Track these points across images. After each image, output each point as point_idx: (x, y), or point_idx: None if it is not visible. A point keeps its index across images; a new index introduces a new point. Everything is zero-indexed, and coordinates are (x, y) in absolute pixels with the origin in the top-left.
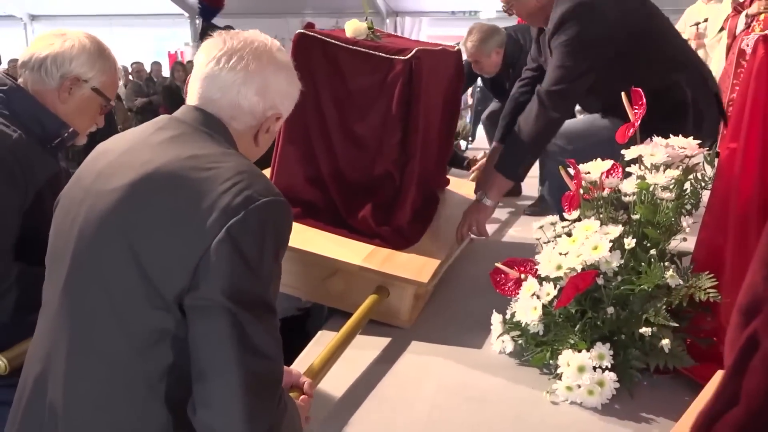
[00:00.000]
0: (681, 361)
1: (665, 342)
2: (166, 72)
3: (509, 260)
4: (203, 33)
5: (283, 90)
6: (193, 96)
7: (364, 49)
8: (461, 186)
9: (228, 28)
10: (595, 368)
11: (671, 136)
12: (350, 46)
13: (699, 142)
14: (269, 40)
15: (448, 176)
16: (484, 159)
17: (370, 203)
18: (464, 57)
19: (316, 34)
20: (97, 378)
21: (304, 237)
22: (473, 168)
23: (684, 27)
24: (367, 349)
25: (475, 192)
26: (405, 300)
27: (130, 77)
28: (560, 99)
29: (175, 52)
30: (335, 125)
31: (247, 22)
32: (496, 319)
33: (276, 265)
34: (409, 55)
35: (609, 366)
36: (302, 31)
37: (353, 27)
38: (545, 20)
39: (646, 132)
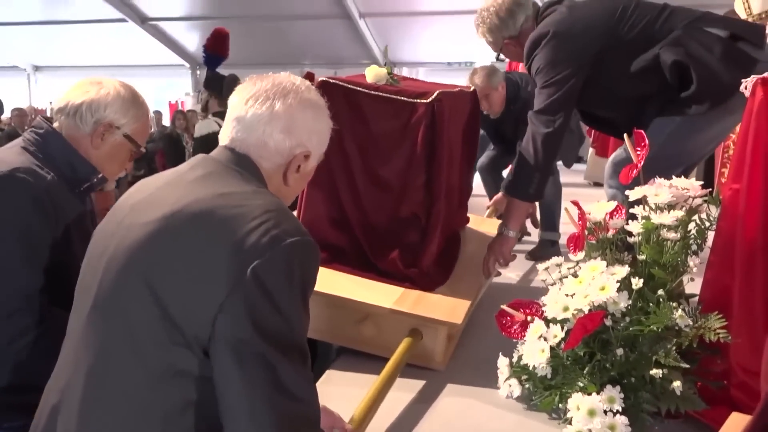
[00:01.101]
0: (693, 404)
1: (677, 384)
2: (166, 121)
3: (515, 302)
4: (207, 81)
5: (309, 127)
6: (225, 137)
7: (386, 94)
8: (481, 223)
9: (232, 76)
10: (605, 412)
11: (691, 104)
12: (372, 92)
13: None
14: (299, 81)
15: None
16: (499, 194)
17: (397, 245)
18: None
19: (338, 81)
20: (111, 410)
21: (333, 281)
22: (488, 205)
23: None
24: (402, 390)
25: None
26: (439, 342)
27: None
28: (547, 115)
29: (176, 101)
30: (359, 169)
31: (248, 72)
32: (502, 362)
33: (304, 306)
34: (431, 98)
35: (620, 410)
36: (324, 78)
37: (374, 73)
38: None
39: (667, 111)
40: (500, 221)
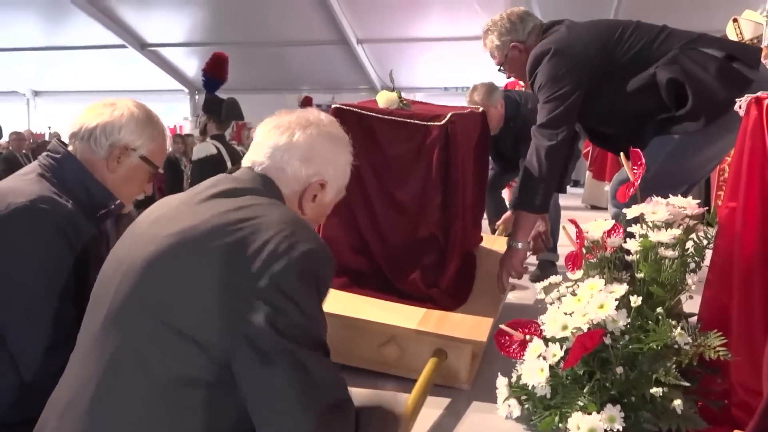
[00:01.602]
0: (694, 424)
1: (677, 403)
2: None
3: (513, 322)
4: (206, 105)
5: (327, 157)
6: (247, 161)
7: (399, 118)
8: (494, 242)
9: (231, 100)
10: (606, 431)
11: (688, 121)
12: (385, 116)
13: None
14: (322, 115)
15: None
16: (508, 213)
17: (417, 266)
18: None
19: (351, 107)
20: (119, 422)
21: (355, 305)
22: (498, 223)
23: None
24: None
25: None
26: (464, 360)
27: None
28: (549, 129)
29: (174, 126)
30: (376, 192)
31: (247, 98)
32: (501, 382)
33: (322, 309)
34: (444, 120)
35: (620, 429)
36: (337, 105)
37: (385, 98)
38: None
39: (666, 130)
40: (508, 238)
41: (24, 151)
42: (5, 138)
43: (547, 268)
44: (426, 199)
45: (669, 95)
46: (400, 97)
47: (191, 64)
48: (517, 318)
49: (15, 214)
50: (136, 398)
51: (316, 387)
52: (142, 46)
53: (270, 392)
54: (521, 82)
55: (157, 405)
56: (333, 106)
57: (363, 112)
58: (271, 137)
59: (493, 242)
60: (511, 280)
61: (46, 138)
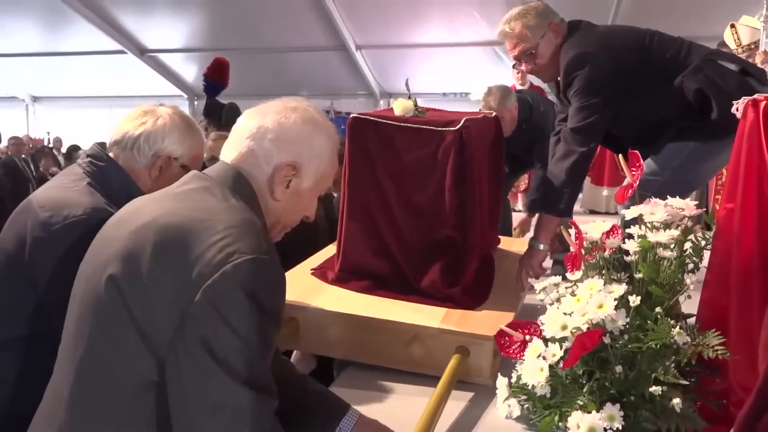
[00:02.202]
0: (693, 423)
1: (676, 401)
2: None
3: (514, 323)
4: (207, 109)
5: (301, 140)
6: (224, 151)
7: (415, 125)
8: (511, 244)
9: (231, 104)
10: (606, 430)
11: (710, 130)
12: (402, 124)
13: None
14: (299, 101)
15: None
16: (524, 216)
17: (437, 268)
18: None
19: (368, 117)
20: (93, 422)
21: (380, 307)
22: (515, 226)
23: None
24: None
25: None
26: (486, 357)
27: None
28: (582, 135)
29: None
30: (394, 198)
31: (246, 103)
32: (501, 382)
33: (267, 321)
34: (459, 126)
35: (620, 427)
36: (355, 115)
37: (401, 106)
38: (556, 71)
39: (682, 137)
40: (530, 238)
41: (23, 156)
42: (4, 143)
43: (560, 267)
44: (443, 203)
45: (695, 104)
46: (416, 104)
47: (190, 70)
48: (531, 317)
49: (74, 225)
50: (106, 404)
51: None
52: (142, 52)
53: (182, 406)
54: (519, 84)
55: (128, 407)
56: (351, 115)
57: (380, 120)
58: (248, 121)
59: (511, 244)
60: (529, 280)
61: (45, 143)
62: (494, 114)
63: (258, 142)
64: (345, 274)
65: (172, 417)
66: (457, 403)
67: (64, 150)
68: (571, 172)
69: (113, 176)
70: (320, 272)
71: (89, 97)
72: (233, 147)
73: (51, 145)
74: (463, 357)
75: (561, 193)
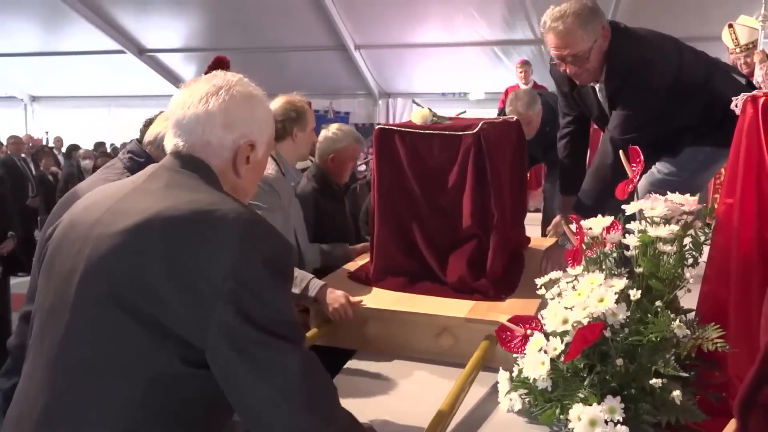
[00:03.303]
0: (692, 415)
1: (676, 393)
2: None
3: (515, 317)
4: None
5: (246, 117)
6: (169, 143)
7: (436, 131)
8: (542, 243)
9: None
10: (606, 422)
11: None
12: (423, 131)
13: None
14: (231, 76)
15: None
16: (557, 217)
17: (464, 264)
18: None
19: (392, 127)
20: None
21: (412, 302)
22: (549, 228)
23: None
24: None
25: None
26: None
27: None
28: (635, 144)
29: None
30: (421, 200)
31: None
32: (502, 376)
33: (286, 287)
34: (477, 129)
35: (621, 420)
36: (381, 126)
37: (420, 115)
38: (595, 75)
39: (700, 142)
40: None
41: (23, 156)
42: (3, 142)
43: None
44: (465, 203)
45: (717, 111)
46: (432, 113)
47: (189, 70)
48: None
49: None
50: (119, 400)
51: (294, 372)
52: (140, 52)
53: (251, 386)
54: (522, 83)
55: (143, 401)
56: (377, 127)
57: (404, 129)
58: (187, 112)
59: (541, 243)
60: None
61: (44, 143)
62: (514, 118)
63: (209, 130)
64: (380, 275)
65: (227, 394)
66: (482, 389)
67: (64, 150)
68: (616, 181)
69: None
70: (356, 276)
71: (88, 96)
72: (181, 137)
73: (51, 145)
74: (491, 345)
75: (602, 200)
